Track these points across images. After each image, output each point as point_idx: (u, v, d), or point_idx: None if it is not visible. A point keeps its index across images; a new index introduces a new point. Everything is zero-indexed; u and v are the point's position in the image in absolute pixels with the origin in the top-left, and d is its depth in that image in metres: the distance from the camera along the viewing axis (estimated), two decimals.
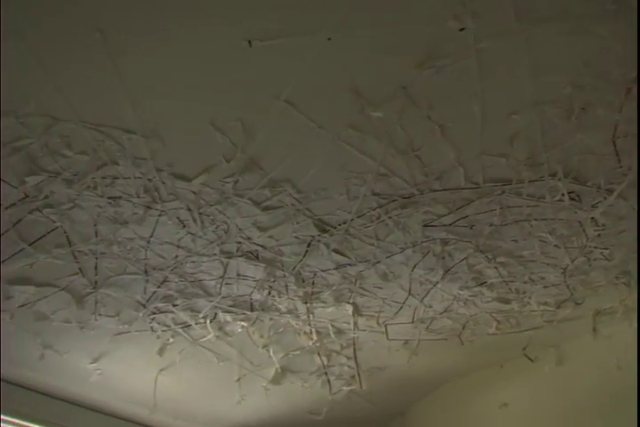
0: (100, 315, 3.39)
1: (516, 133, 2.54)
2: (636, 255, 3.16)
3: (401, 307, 3.59)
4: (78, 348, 3.66)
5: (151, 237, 2.96)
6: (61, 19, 2.10)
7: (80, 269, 3.12)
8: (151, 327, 3.51)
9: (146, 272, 3.15)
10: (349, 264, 3.22)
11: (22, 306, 3.29)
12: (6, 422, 3.90)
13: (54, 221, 2.87)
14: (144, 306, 3.35)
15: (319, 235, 3.01)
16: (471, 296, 3.51)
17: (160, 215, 2.84)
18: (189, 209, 2.81)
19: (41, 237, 2.95)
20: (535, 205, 2.88)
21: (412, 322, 3.73)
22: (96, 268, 3.12)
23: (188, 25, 2.11)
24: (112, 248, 3.01)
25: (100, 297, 3.28)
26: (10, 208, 2.80)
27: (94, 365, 3.78)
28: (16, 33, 2.12)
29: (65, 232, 2.93)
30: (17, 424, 3.93)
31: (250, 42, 2.17)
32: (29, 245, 2.97)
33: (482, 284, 3.41)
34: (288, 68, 2.27)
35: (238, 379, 4.03)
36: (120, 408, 4.18)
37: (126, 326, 3.49)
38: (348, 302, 3.51)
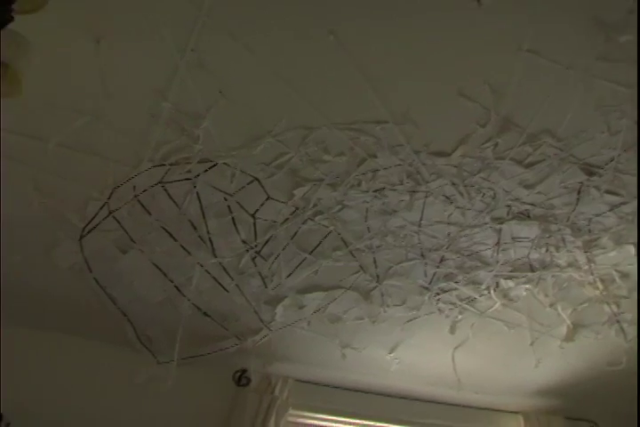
0: (387, 306, 3.45)
1: None
2: None
3: None
4: (374, 341, 3.76)
5: (421, 220, 2.97)
6: (291, 30, 2.16)
7: (360, 266, 3.20)
8: (438, 308, 3.52)
9: (423, 256, 3.17)
10: (624, 203, 3.03)
11: (315, 312, 3.43)
12: (320, 419, 4.10)
13: (327, 226, 2.97)
14: (427, 289, 3.38)
15: (588, 179, 2.87)
16: None
17: (426, 197, 2.84)
18: (454, 184, 2.78)
19: (318, 244, 3.06)
20: None
21: None
22: (375, 262, 3.18)
23: (413, 4, 2.10)
24: (386, 240, 3.05)
25: (384, 289, 3.35)
26: (285, 223, 2.92)
27: (392, 355, 3.85)
28: (254, 54, 2.22)
29: (339, 234, 3.01)
30: (330, 420, 4.11)
31: (478, 0, 2.11)
32: (310, 253, 3.09)
33: None
34: (522, 17, 2.16)
35: (532, 343, 3.94)
36: (424, 392, 4.24)
37: (415, 312, 3.52)
38: (630, 243, 3.31)
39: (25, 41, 1.78)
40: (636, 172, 2.86)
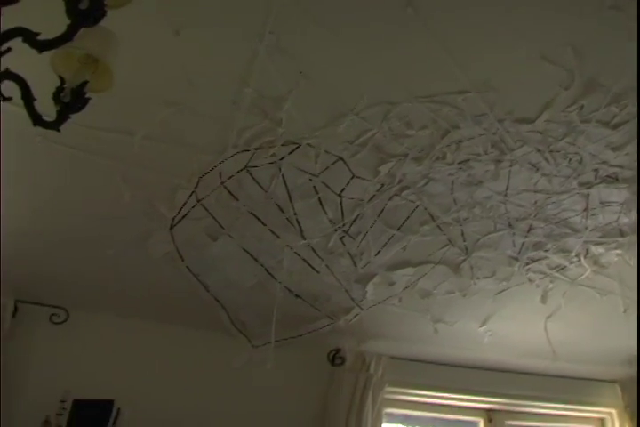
0: (477, 279, 3.45)
1: None
2: None
3: None
4: (465, 315, 3.76)
5: (507, 189, 2.95)
6: (368, 3, 2.16)
7: (449, 239, 3.20)
8: (529, 278, 3.49)
9: (510, 225, 3.15)
10: None
11: (406, 288, 3.45)
12: (416, 395, 4.12)
13: (413, 201, 2.98)
14: (517, 259, 3.35)
15: None
16: None
17: (511, 165, 2.82)
18: (539, 150, 2.75)
19: (406, 220, 3.07)
20: None
21: None
22: (463, 234, 3.18)
23: None
24: (473, 211, 3.05)
25: (473, 261, 3.34)
26: (371, 201, 2.95)
27: (483, 327, 3.84)
28: (332, 32, 2.23)
29: (426, 208, 3.02)
30: (425, 395, 4.12)
31: None
32: (397, 229, 3.11)
33: None
34: None
35: (625, 310, 3.86)
36: (518, 363, 4.19)
37: (505, 283, 3.51)
38: None
39: (113, 35, 1.82)
40: None
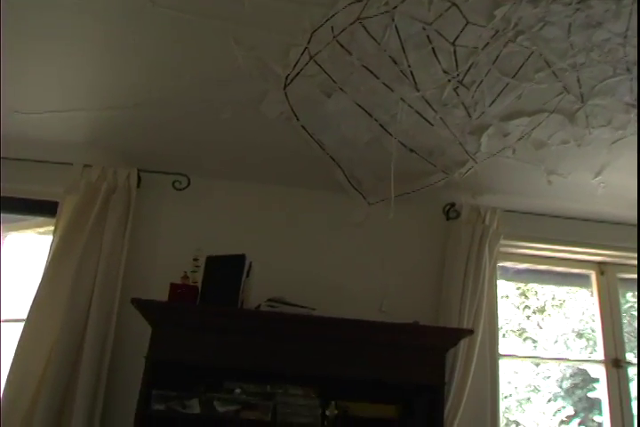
0: (593, 127, 3.40)
1: None
2: None
3: None
4: (579, 166, 3.73)
5: (627, 30, 2.86)
6: None
7: (564, 86, 3.15)
8: None
9: (628, 70, 3.06)
10: None
11: (520, 139, 3.45)
12: (526, 247, 4.17)
13: (528, 47, 2.93)
14: (634, 106, 3.27)
15: None
16: None
17: (634, 3, 2.72)
18: None
19: (521, 67, 3.04)
20: None
21: None
22: (579, 81, 3.13)
23: None
24: (590, 56, 2.98)
25: (589, 109, 3.29)
26: (486, 48, 2.92)
27: (597, 179, 3.81)
28: None
29: (541, 54, 2.97)
30: (536, 248, 4.16)
31: None
32: (512, 77, 3.08)
33: None
34: None
35: None
36: (630, 216, 4.12)
37: (621, 132, 3.44)
38: None
39: None
40: None
